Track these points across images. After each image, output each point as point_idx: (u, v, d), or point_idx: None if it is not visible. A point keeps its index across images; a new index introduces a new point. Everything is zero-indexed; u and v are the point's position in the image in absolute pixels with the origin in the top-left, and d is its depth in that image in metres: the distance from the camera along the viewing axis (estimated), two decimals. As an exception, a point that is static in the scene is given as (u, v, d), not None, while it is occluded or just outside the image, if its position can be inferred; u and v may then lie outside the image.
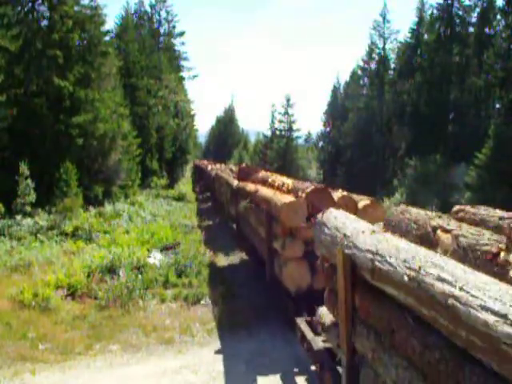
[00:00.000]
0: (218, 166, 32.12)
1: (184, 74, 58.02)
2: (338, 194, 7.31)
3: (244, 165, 15.84)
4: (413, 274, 2.60)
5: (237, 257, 12.95)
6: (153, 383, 6.18)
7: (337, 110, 57.80)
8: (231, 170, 21.52)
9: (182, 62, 58.37)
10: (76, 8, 21.21)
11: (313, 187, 7.35)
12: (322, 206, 5.90)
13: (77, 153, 19.99)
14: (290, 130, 49.69)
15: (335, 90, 62.66)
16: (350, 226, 3.82)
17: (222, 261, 12.51)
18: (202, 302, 9.07)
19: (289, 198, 7.18)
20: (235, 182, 13.41)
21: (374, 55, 48.01)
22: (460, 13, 39.91)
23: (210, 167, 30.89)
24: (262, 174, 11.95)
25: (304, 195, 7.18)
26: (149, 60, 36.62)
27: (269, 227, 8.23)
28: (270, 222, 8.15)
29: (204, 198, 30.11)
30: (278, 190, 8.60)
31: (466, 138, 34.37)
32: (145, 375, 6.36)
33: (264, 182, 10.34)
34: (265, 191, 8.87)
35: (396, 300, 2.89)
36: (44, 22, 20.82)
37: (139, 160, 28.00)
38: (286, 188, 8.39)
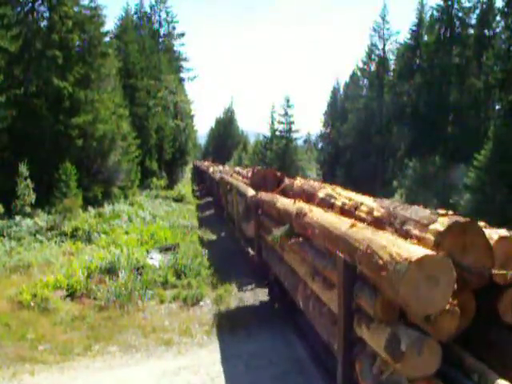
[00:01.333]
0: (220, 167, 30.25)
1: (183, 74, 58.09)
2: (491, 234, 3.57)
3: (259, 167, 12.12)
4: None
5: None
6: (152, 384, 6.17)
7: (336, 111, 57.91)
8: (238, 173, 18.45)
9: (182, 63, 58.41)
10: (76, 9, 21.21)
11: (451, 221, 3.46)
12: (470, 260, 3.24)
13: (76, 153, 19.98)
14: (290, 130, 49.72)
15: (335, 91, 62.85)
16: None
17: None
18: (202, 302, 9.06)
19: (413, 249, 3.18)
20: (250, 192, 10.56)
21: (373, 56, 48.08)
22: (460, 14, 39.96)
23: (211, 169, 28.35)
24: (301, 182, 8.19)
25: (437, 239, 3.41)
26: (148, 61, 36.62)
27: (348, 295, 4.07)
28: (352, 281, 4.03)
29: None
30: (347, 216, 4.92)
31: (465, 139, 34.40)
32: (144, 376, 6.35)
33: (309, 197, 6.76)
34: (325, 217, 5.00)
35: None
36: (44, 23, 20.85)
37: (138, 161, 27.98)
38: (369, 214, 4.64)
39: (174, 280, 10.11)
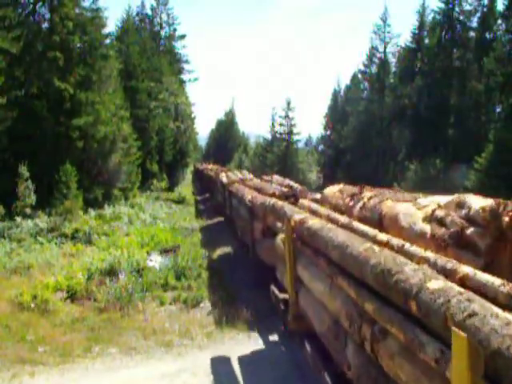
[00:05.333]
0: (238, 173, 19.02)
1: (184, 76, 58.20)
2: None
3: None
4: None
5: None
6: (152, 386, 6.15)
7: (337, 114, 57.90)
8: (289, 191, 8.75)
9: (183, 65, 58.51)
10: (77, 10, 21.28)
11: None
12: None
13: (77, 155, 20.01)
14: (291, 133, 49.68)
15: (336, 94, 62.81)
16: None
17: None
18: (202, 304, 9.04)
19: None
20: None
21: (374, 59, 48.15)
22: (461, 17, 40.04)
23: (225, 177, 16.91)
24: None
25: None
26: (149, 63, 36.69)
27: None
28: None
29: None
30: None
31: (466, 141, 34.42)
32: (144, 378, 6.32)
33: None
34: None
35: None
36: (45, 24, 20.92)
37: (139, 162, 28.00)
38: None
39: (174, 282, 10.08)
